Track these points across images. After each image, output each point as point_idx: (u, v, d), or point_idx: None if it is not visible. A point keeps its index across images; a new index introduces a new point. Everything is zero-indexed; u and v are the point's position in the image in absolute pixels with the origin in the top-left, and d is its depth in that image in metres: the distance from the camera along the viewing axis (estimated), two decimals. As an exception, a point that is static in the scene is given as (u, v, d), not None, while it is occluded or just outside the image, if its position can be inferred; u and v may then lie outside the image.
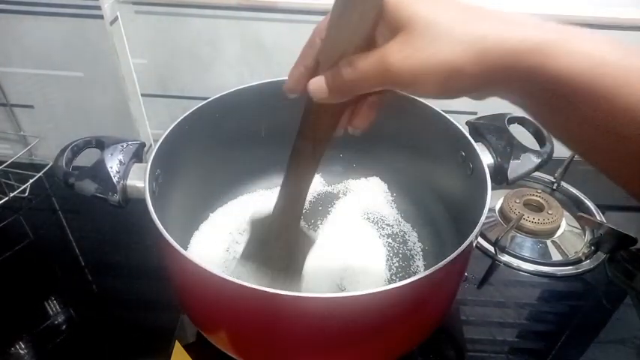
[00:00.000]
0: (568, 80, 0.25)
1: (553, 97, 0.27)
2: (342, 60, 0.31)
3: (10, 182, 0.73)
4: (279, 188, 0.60)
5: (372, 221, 0.64)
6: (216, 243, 0.61)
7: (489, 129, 0.54)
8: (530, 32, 0.26)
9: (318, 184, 0.69)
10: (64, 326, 0.57)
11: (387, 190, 0.68)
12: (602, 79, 0.25)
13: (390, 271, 0.59)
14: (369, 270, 0.58)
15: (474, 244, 0.45)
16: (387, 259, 0.60)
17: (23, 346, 0.55)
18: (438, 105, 0.56)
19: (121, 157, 0.48)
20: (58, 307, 0.59)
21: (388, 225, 0.64)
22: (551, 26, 0.27)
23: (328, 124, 0.36)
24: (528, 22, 0.27)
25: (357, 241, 0.61)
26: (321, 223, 0.64)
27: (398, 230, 0.64)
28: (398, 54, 0.28)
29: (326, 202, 0.67)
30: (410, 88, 0.30)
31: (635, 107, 0.24)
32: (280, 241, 0.47)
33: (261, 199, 0.67)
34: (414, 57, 0.28)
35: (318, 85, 0.32)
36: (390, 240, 0.62)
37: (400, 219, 0.65)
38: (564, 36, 0.26)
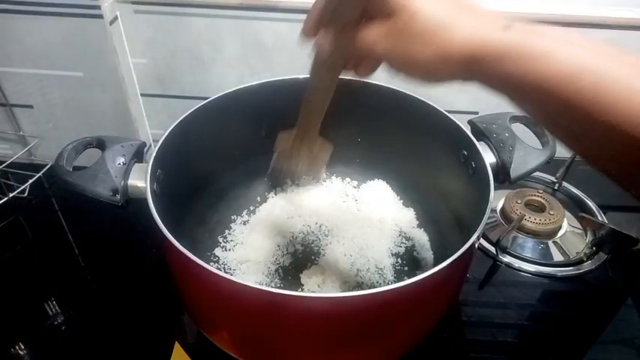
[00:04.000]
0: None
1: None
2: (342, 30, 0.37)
3: (9, 182, 0.73)
4: (278, 188, 0.63)
5: (375, 222, 0.64)
6: (218, 242, 0.61)
7: (491, 128, 0.54)
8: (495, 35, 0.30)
9: (321, 186, 0.69)
10: (63, 326, 0.57)
11: (389, 191, 0.67)
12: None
13: (393, 270, 0.59)
14: (375, 269, 0.58)
15: (477, 245, 0.45)
16: (391, 260, 0.60)
17: (23, 346, 0.55)
18: (439, 104, 0.56)
19: (121, 157, 0.48)
20: (57, 307, 0.59)
21: (390, 225, 0.64)
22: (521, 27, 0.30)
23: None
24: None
25: (360, 242, 0.60)
26: (325, 224, 0.64)
27: (400, 231, 0.63)
28: (383, 44, 0.34)
29: (329, 202, 0.66)
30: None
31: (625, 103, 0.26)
32: (303, 146, 0.57)
33: (262, 198, 0.67)
34: (396, 52, 0.34)
35: (322, 43, 0.39)
36: (393, 241, 0.62)
37: (403, 220, 0.65)
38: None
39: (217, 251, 0.60)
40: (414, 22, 0.32)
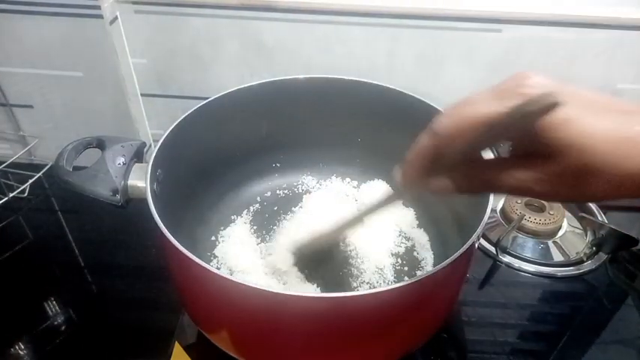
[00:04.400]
0: None
1: None
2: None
3: (9, 182, 0.73)
4: (278, 188, 0.62)
5: (375, 222, 0.64)
6: (218, 242, 0.61)
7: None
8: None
9: (323, 187, 0.69)
10: (63, 327, 0.57)
11: (389, 191, 0.67)
12: None
13: (393, 270, 0.58)
14: (374, 267, 0.58)
15: (477, 245, 0.45)
16: (391, 260, 0.59)
17: (23, 346, 0.55)
18: (440, 104, 0.56)
19: (121, 157, 0.48)
20: (57, 307, 0.59)
21: (390, 225, 0.64)
22: None
23: None
24: None
25: (360, 242, 0.60)
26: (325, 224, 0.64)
27: (400, 231, 0.63)
28: (540, 187, 0.29)
29: (329, 202, 0.66)
30: None
31: None
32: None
33: (262, 198, 0.67)
34: (560, 194, 0.29)
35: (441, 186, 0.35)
36: (393, 241, 0.62)
37: (403, 220, 0.65)
38: None
39: (217, 251, 0.60)
40: (582, 161, 0.27)
